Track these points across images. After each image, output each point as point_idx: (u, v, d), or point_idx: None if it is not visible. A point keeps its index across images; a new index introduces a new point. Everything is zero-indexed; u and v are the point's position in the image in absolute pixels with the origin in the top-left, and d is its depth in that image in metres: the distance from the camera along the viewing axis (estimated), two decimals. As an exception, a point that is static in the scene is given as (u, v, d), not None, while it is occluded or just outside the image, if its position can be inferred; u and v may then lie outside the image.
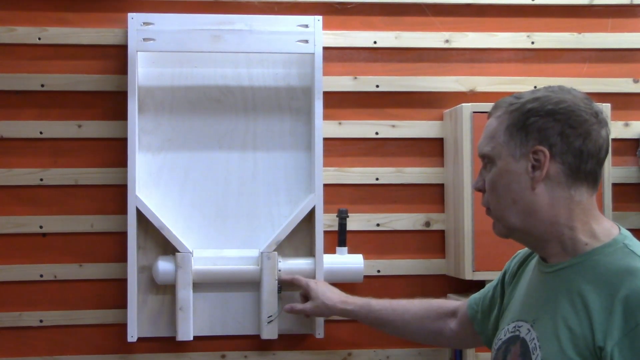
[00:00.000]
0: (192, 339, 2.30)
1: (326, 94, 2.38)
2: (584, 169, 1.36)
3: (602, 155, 1.38)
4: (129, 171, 2.29)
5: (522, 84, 2.46)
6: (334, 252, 2.37)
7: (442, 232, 2.44)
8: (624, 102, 2.48)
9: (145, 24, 2.30)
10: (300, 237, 2.37)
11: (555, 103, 1.36)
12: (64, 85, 2.35)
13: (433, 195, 2.45)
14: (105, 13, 2.37)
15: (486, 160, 1.41)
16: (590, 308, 1.27)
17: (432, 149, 2.45)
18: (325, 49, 2.37)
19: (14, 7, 2.35)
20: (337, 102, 2.42)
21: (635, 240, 1.37)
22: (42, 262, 2.33)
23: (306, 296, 2.21)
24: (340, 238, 2.35)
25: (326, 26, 2.39)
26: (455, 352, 2.32)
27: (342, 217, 2.33)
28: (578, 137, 1.35)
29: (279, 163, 2.39)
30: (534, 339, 1.34)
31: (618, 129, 2.47)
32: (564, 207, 1.36)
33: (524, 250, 1.60)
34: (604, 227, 1.37)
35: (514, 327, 1.42)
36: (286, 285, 2.33)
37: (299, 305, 2.20)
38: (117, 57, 2.35)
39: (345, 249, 2.35)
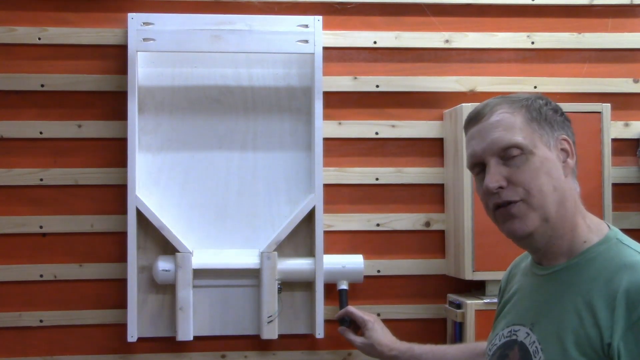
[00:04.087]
0: (192, 339, 2.30)
1: (326, 94, 2.38)
2: (577, 161, 1.41)
3: None
4: (129, 171, 2.29)
5: (522, 84, 2.46)
6: (333, 252, 2.38)
7: (442, 232, 2.44)
8: (624, 102, 2.48)
9: (145, 24, 2.30)
10: (300, 237, 2.37)
11: (550, 101, 1.42)
12: (64, 85, 2.35)
13: (433, 195, 2.45)
14: (105, 13, 2.37)
15: (517, 151, 1.35)
16: (593, 306, 1.27)
17: (432, 149, 2.45)
18: (325, 49, 2.37)
19: (14, 7, 2.35)
20: (337, 102, 2.42)
21: (623, 234, 1.39)
22: (42, 262, 2.33)
23: (355, 324, 2.21)
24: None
25: (326, 26, 2.39)
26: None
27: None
28: (573, 133, 1.42)
29: (279, 163, 2.39)
30: (534, 342, 1.34)
31: (618, 129, 2.47)
32: (575, 198, 1.39)
33: (511, 265, 1.60)
34: (596, 222, 1.40)
35: (509, 331, 1.42)
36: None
37: (351, 335, 2.20)
38: (117, 57, 2.35)
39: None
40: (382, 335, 2.11)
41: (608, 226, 1.40)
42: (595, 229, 1.37)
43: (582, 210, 1.39)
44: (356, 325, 2.21)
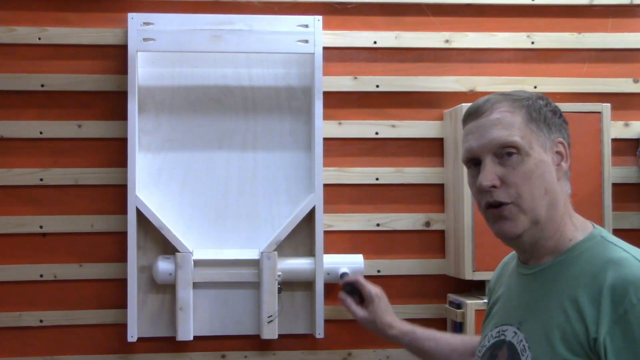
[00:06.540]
0: (192, 339, 2.30)
1: (326, 94, 2.38)
2: (570, 164, 1.41)
3: None
4: (129, 171, 2.29)
5: (522, 84, 2.46)
6: (333, 252, 2.38)
7: (442, 232, 2.44)
8: (624, 102, 2.49)
9: (145, 24, 2.30)
10: (300, 237, 2.37)
11: (550, 102, 1.41)
12: (64, 85, 2.35)
13: (433, 195, 2.45)
14: (105, 13, 2.37)
15: (511, 150, 1.35)
16: (579, 302, 1.27)
17: (432, 149, 2.45)
18: (325, 49, 2.38)
19: (14, 7, 2.35)
20: (337, 102, 2.42)
21: (607, 232, 1.40)
22: (42, 262, 2.33)
23: (361, 297, 2.03)
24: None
25: (326, 26, 2.39)
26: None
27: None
28: (569, 135, 1.42)
29: (279, 163, 2.39)
30: (521, 340, 1.34)
31: (618, 129, 2.47)
32: (565, 200, 1.39)
33: (499, 265, 1.61)
34: (581, 221, 1.41)
35: (498, 332, 1.42)
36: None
37: (353, 305, 2.02)
38: (117, 57, 2.35)
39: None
40: (386, 313, 1.98)
41: (593, 225, 1.41)
42: (581, 227, 1.39)
43: (569, 210, 1.40)
44: (360, 297, 2.04)
